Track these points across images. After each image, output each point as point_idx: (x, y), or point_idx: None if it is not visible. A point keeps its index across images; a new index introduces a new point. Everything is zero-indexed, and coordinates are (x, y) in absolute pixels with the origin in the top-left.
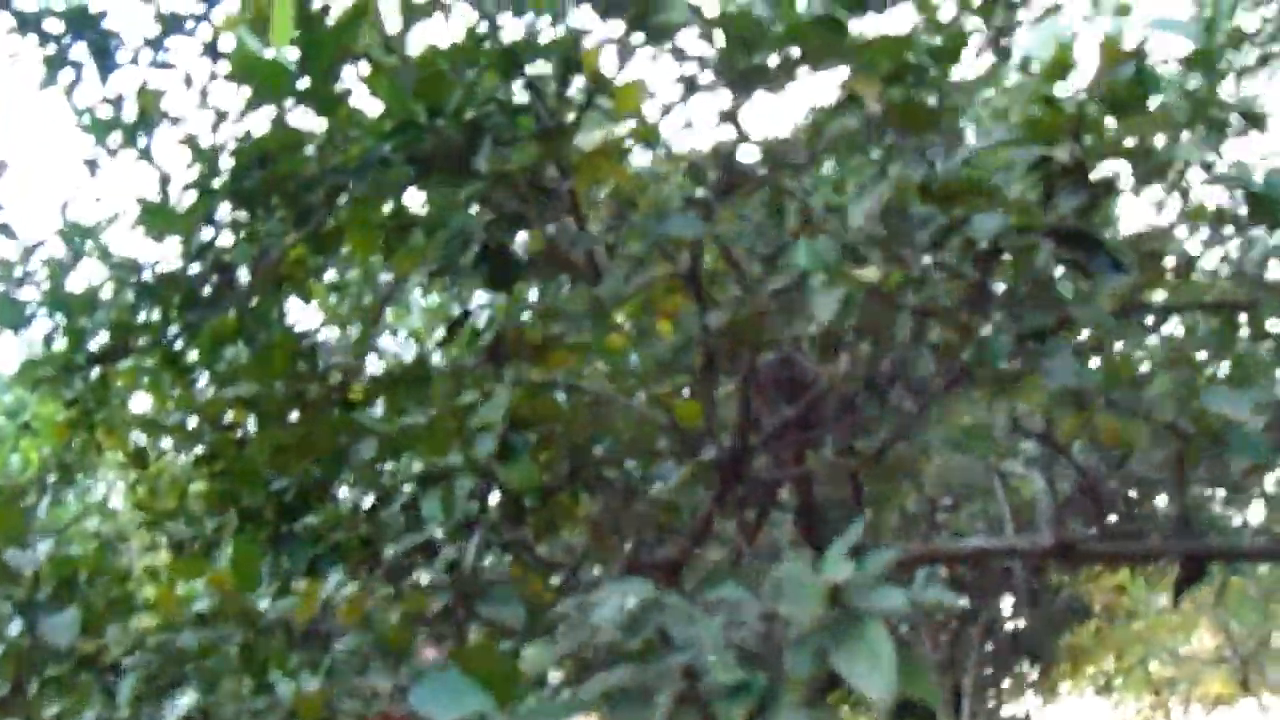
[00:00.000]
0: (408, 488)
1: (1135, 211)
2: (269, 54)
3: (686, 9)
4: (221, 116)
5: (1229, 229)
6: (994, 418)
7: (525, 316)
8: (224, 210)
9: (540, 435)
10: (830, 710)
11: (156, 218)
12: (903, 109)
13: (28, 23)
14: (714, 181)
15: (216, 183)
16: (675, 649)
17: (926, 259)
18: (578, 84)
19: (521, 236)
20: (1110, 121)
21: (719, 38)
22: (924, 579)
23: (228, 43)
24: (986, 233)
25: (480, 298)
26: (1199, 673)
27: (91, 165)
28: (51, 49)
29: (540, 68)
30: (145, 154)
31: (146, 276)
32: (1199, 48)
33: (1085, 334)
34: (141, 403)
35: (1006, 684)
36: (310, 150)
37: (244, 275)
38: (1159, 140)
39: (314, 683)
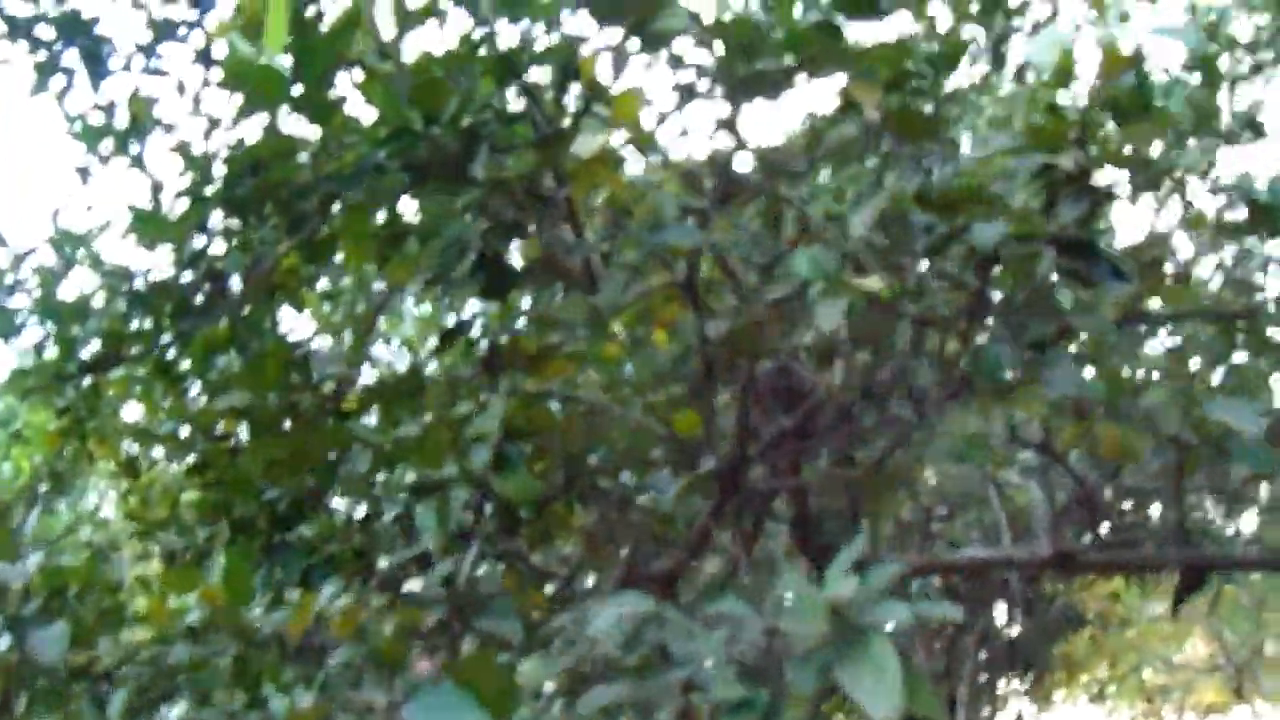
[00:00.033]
0: (401, 498)
1: (1131, 218)
2: (262, 61)
3: (686, 15)
4: (214, 124)
5: (1228, 237)
6: (991, 427)
7: (520, 325)
8: (216, 218)
9: (535, 445)
10: None
11: (148, 225)
12: (901, 116)
13: (19, 28)
14: (711, 190)
15: (209, 190)
16: (675, 664)
17: (926, 268)
18: (575, 91)
19: (516, 245)
20: (1109, 127)
21: (717, 44)
22: (917, 590)
23: (220, 49)
24: (987, 241)
25: (473, 306)
26: (1192, 681)
27: (83, 172)
28: (43, 55)
29: (536, 74)
30: (137, 161)
31: (138, 285)
32: (1201, 55)
33: (1080, 340)
34: (133, 412)
35: (1001, 691)
36: (304, 158)
37: (236, 284)
38: (1160, 147)
39: (308, 698)
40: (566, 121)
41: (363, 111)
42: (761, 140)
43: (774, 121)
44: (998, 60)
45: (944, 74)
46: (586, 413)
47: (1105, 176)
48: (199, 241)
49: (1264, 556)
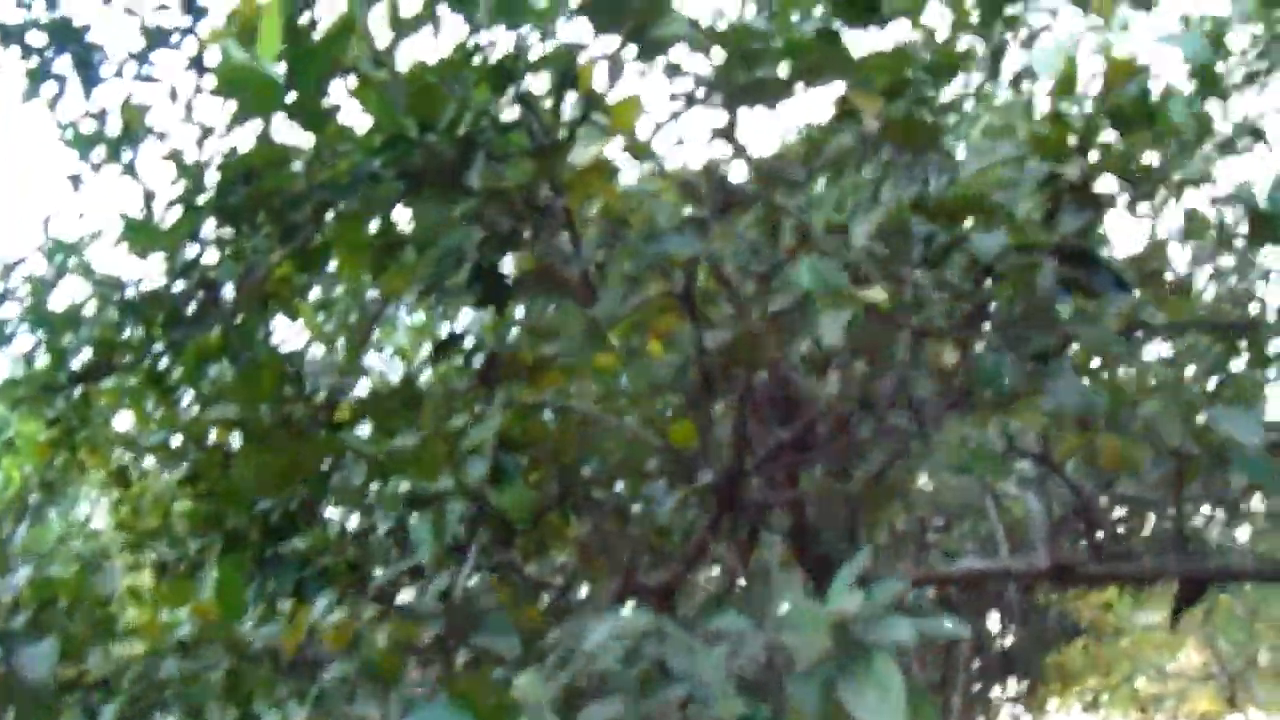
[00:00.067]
0: (395, 510)
1: (1127, 227)
2: (256, 68)
3: (686, 21)
4: (207, 131)
5: (1227, 248)
6: (989, 437)
7: (515, 335)
8: (209, 227)
9: (530, 456)
10: None
11: (140, 234)
12: (901, 125)
13: (10, 35)
14: (710, 200)
15: (201, 199)
16: (674, 679)
17: (925, 278)
18: (572, 99)
19: (510, 254)
20: (1109, 135)
21: (716, 52)
22: (912, 600)
23: (213, 56)
24: (988, 251)
25: (467, 315)
26: (1186, 689)
27: (74, 180)
28: (34, 62)
29: (532, 82)
30: (129, 169)
31: (130, 294)
32: (1203, 63)
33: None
34: (124, 421)
35: (994, 700)
36: (297, 166)
37: (229, 293)
38: (1160, 156)
39: (301, 713)
40: (563, 130)
41: (357, 119)
42: (758, 148)
43: (770, 129)
44: (994, 69)
45: (944, 82)
46: (581, 423)
47: (1105, 185)
48: (191, 250)
49: (1262, 568)
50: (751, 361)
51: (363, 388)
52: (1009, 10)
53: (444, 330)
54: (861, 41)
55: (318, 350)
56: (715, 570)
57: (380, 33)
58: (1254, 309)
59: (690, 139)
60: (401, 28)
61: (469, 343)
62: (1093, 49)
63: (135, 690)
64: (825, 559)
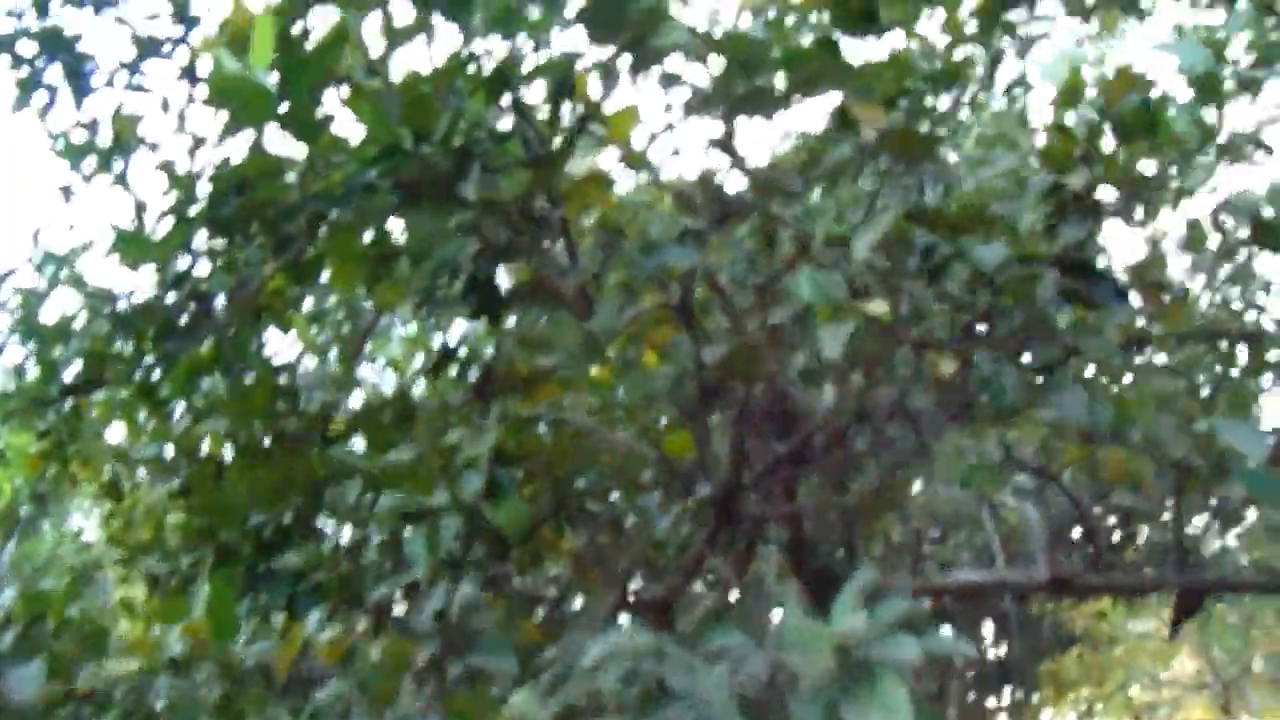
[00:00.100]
0: (389, 525)
1: (1124, 236)
2: (248, 78)
3: (685, 31)
4: (199, 142)
5: (1226, 256)
6: (987, 449)
7: (510, 347)
8: (201, 238)
9: (525, 469)
10: None
11: (131, 246)
12: (899, 135)
13: (0, 44)
14: (707, 210)
15: (193, 210)
16: (675, 699)
17: (925, 289)
18: (569, 109)
19: (504, 266)
20: (1108, 145)
21: (715, 62)
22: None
23: (205, 66)
24: (989, 263)
25: (459, 326)
26: (1180, 698)
27: (65, 191)
28: (25, 71)
29: (528, 92)
30: (121, 180)
31: (122, 306)
32: (1204, 72)
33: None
34: (116, 433)
35: (989, 709)
36: (291, 177)
37: (221, 305)
38: (1160, 164)
39: None
40: (559, 139)
41: (350, 130)
42: (753, 158)
43: (764, 138)
44: (990, 78)
45: (942, 92)
46: (575, 436)
47: (1104, 194)
48: (183, 262)
49: (1260, 579)
50: (749, 375)
51: (356, 399)
52: (1006, 18)
53: (437, 341)
54: (859, 51)
55: (310, 361)
56: (711, 581)
57: (374, 42)
58: (1251, 317)
59: (686, 149)
60: (395, 37)
61: (463, 355)
62: (1090, 59)
63: (127, 705)
64: (823, 571)
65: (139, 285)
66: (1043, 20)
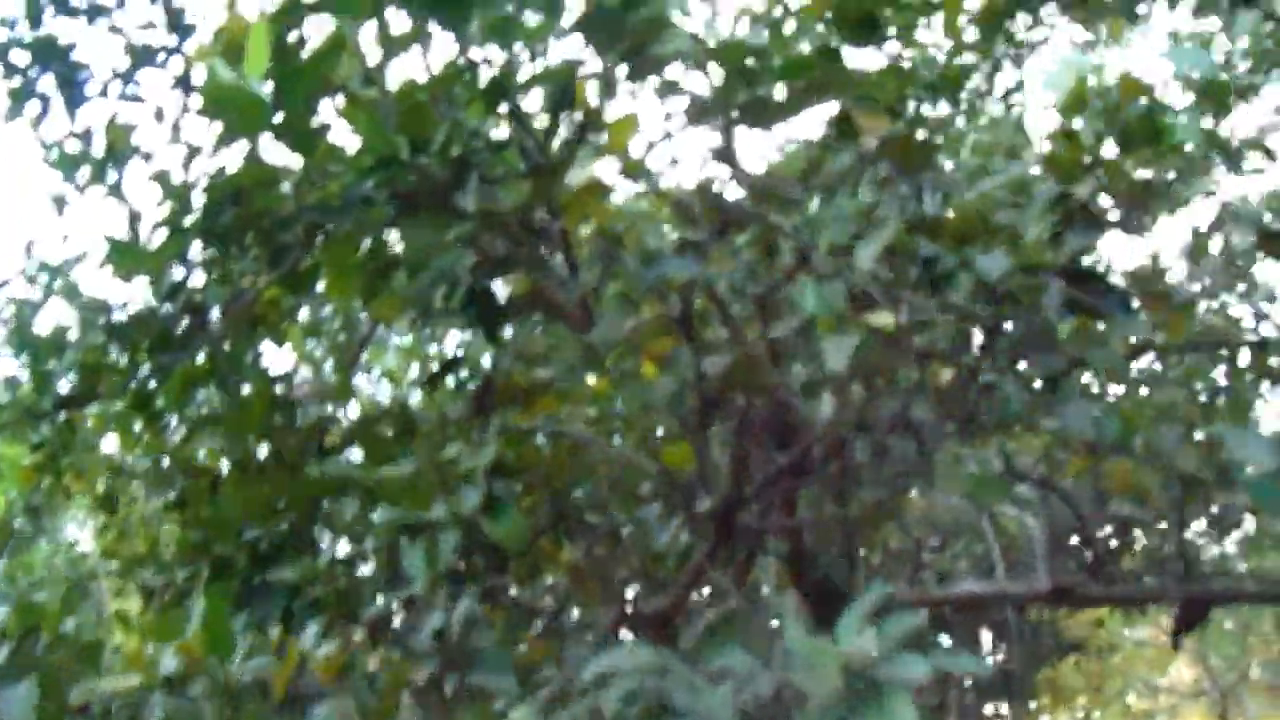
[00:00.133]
0: (386, 537)
1: (1123, 242)
2: (243, 87)
3: (686, 39)
4: (194, 152)
5: (1231, 265)
6: (988, 460)
7: (509, 360)
8: (196, 249)
9: (523, 481)
10: None
11: (125, 257)
12: (900, 143)
13: None
14: (707, 220)
15: (188, 220)
16: (678, 718)
17: (928, 300)
18: (569, 118)
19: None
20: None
21: (715, 70)
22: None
23: (200, 75)
24: (993, 273)
25: (455, 337)
26: (1178, 705)
27: (59, 202)
28: (18, 81)
29: (524, 101)
30: (115, 190)
31: (116, 317)
32: (1210, 79)
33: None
34: (111, 445)
35: (989, 717)
36: (286, 187)
37: (216, 316)
38: (1158, 171)
39: None
40: (559, 149)
41: (346, 140)
42: (750, 166)
43: (762, 147)
44: (989, 85)
45: (942, 99)
46: (574, 448)
47: (1109, 203)
48: (178, 273)
49: (1262, 589)
50: (749, 386)
51: (352, 409)
52: (1007, 26)
53: (432, 350)
54: (859, 59)
55: (306, 371)
56: (710, 591)
57: (370, 51)
58: (1250, 324)
59: (685, 158)
60: (391, 46)
61: (461, 366)
62: (1093, 66)
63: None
64: (823, 582)
65: (133, 296)
66: (1043, 27)
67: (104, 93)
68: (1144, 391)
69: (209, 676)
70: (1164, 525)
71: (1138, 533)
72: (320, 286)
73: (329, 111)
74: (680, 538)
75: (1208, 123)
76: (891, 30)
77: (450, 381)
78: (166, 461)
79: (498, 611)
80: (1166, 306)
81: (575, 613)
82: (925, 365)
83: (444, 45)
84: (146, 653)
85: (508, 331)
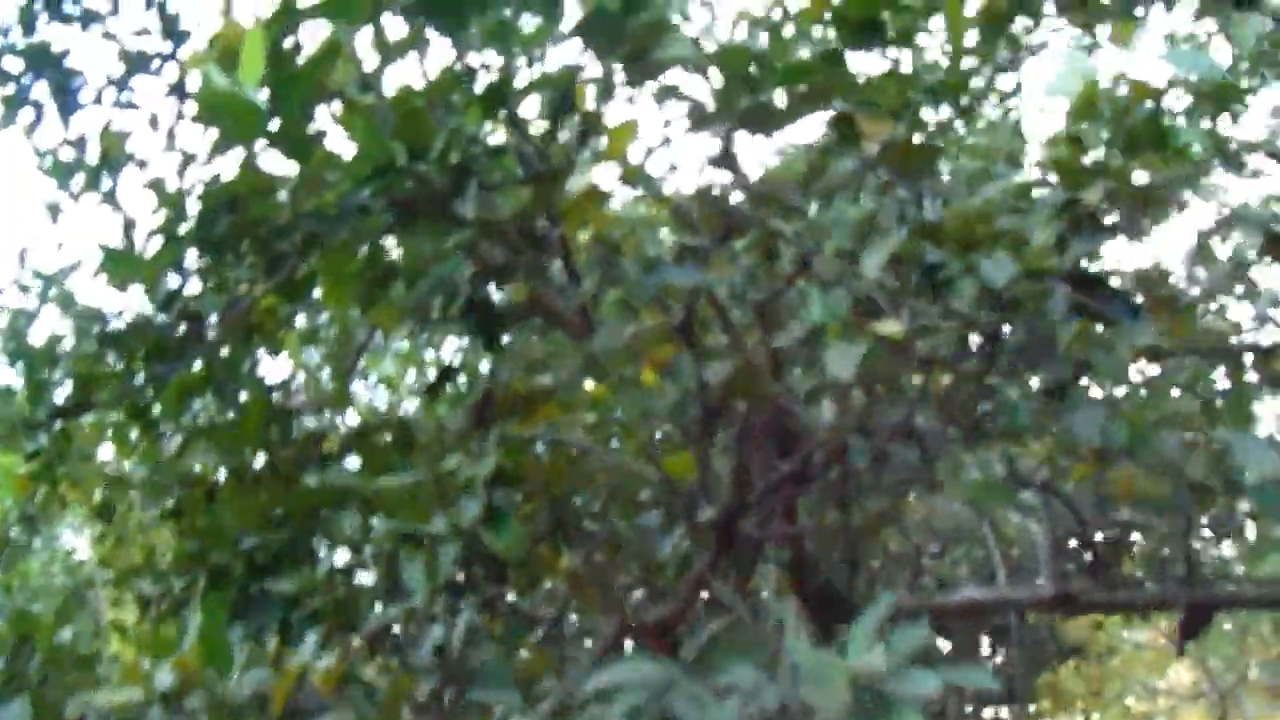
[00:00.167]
0: (386, 547)
1: (1122, 248)
2: (238, 93)
3: (688, 44)
4: (189, 159)
5: (1237, 270)
6: (991, 465)
7: (508, 370)
8: (191, 257)
9: (522, 490)
10: None
11: (120, 265)
12: (902, 149)
13: None
14: (708, 227)
15: (183, 228)
16: None
17: (932, 306)
18: (569, 124)
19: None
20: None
21: (716, 75)
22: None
23: (195, 82)
24: (998, 279)
25: (453, 342)
26: (1176, 707)
27: (53, 210)
28: (11, 88)
29: (523, 106)
30: (109, 198)
31: (111, 326)
32: (1221, 83)
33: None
34: (107, 453)
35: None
36: (282, 195)
37: (212, 324)
38: (1163, 175)
39: None
40: (559, 155)
41: (342, 147)
42: (750, 170)
43: (762, 151)
44: (988, 89)
45: (943, 104)
46: (573, 456)
47: (1115, 208)
48: (173, 281)
49: (1266, 595)
50: (752, 395)
51: (350, 416)
52: (1010, 29)
53: (429, 356)
54: (861, 63)
55: (302, 378)
56: (711, 600)
57: (367, 57)
58: (1251, 329)
59: (685, 163)
60: (388, 52)
61: (460, 374)
62: (1098, 70)
63: None
64: (824, 589)
65: (128, 305)
66: (1042, 30)
67: (98, 99)
68: (1144, 394)
69: (206, 691)
70: (1165, 529)
71: (1136, 535)
72: (317, 293)
73: (325, 118)
74: (681, 546)
75: (1211, 125)
76: (894, 34)
77: (449, 389)
78: (163, 471)
79: (496, 620)
80: (1172, 311)
81: (575, 619)
82: (929, 372)
83: (441, 51)
84: (143, 666)
85: (506, 339)
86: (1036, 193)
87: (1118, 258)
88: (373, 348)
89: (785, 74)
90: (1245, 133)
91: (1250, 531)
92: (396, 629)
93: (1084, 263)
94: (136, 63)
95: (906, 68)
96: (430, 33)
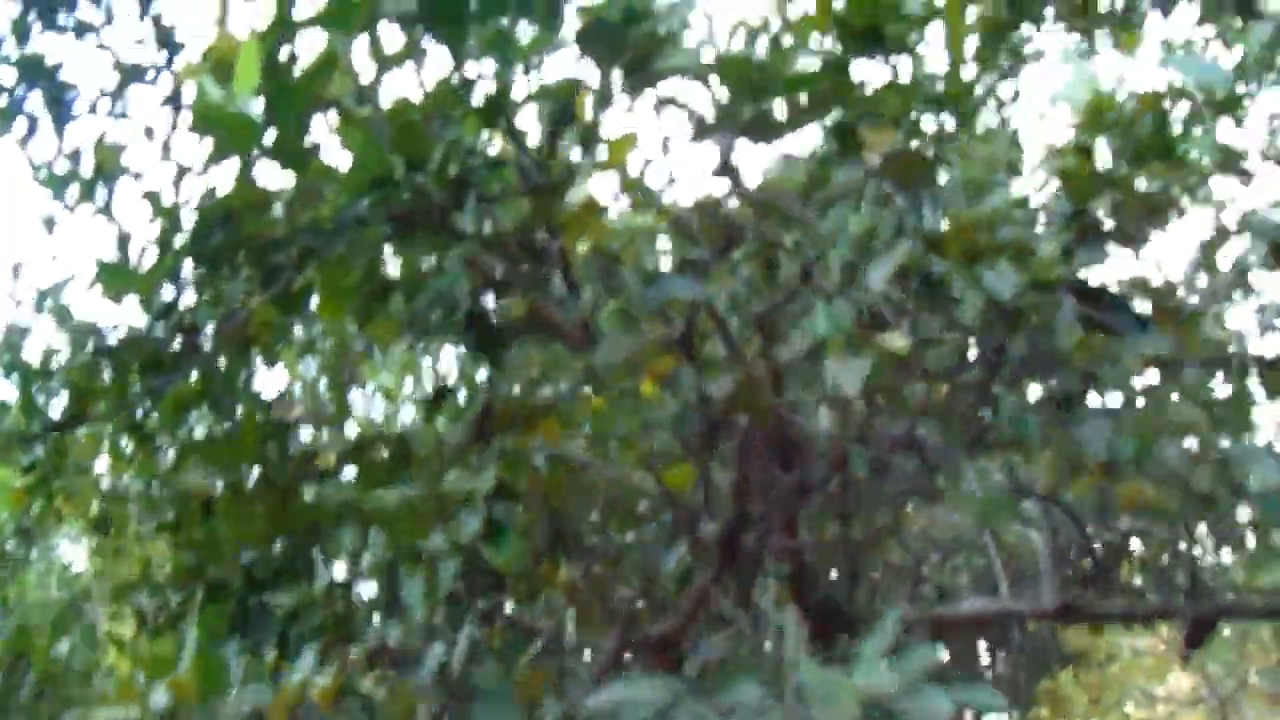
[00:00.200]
0: (385, 560)
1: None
2: (233, 105)
3: (691, 54)
4: (184, 171)
5: (1240, 278)
6: (993, 476)
7: (507, 384)
8: (187, 269)
9: (522, 504)
10: None
11: (115, 278)
12: (903, 159)
13: None
14: (709, 238)
15: (179, 240)
16: None
17: (935, 317)
18: (569, 136)
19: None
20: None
21: (718, 85)
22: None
23: (191, 92)
24: (1004, 291)
25: (451, 351)
26: (1176, 714)
27: (49, 222)
28: (5, 99)
29: (521, 117)
30: (104, 210)
31: (106, 340)
32: (1227, 92)
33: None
34: (103, 466)
35: None
36: (278, 208)
37: (208, 337)
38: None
39: None
40: (559, 167)
41: (339, 159)
42: (751, 180)
43: (761, 161)
44: (987, 98)
45: (944, 113)
46: (572, 469)
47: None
48: (169, 294)
49: (1269, 605)
50: (753, 408)
51: (348, 426)
52: (1011, 37)
53: (426, 362)
54: (864, 72)
55: (299, 389)
56: (714, 614)
57: (363, 67)
58: (1252, 336)
59: (684, 174)
60: (385, 62)
61: (459, 386)
62: (1103, 78)
63: None
64: (824, 602)
65: (124, 318)
66: (1041, 37)
67: (93, 111)
68: (1145, 403)
69: (203, 713)
70: (1166, 536)
71: (1135, 541)
72: (314, 304)
73: (321, 129)
74: (682, 559)
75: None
76: (896, 43)
77: (447, 400)
78: (159, 484)
79: (495, 632)
80: (1176, 321)
81: (574, 629)
82: (931, 383)
83: (438, 61)
84: (138, 683)
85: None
86: (1038, 201)
87: (1119, 266)
88: (370, 357)
89: (790, 83)
90: (1246, 138)
91: (1250, 540)
92: (395, 636)
93: (1089, 273)
94: (131, 74)
95: (907, 76)
96: (427, 42)
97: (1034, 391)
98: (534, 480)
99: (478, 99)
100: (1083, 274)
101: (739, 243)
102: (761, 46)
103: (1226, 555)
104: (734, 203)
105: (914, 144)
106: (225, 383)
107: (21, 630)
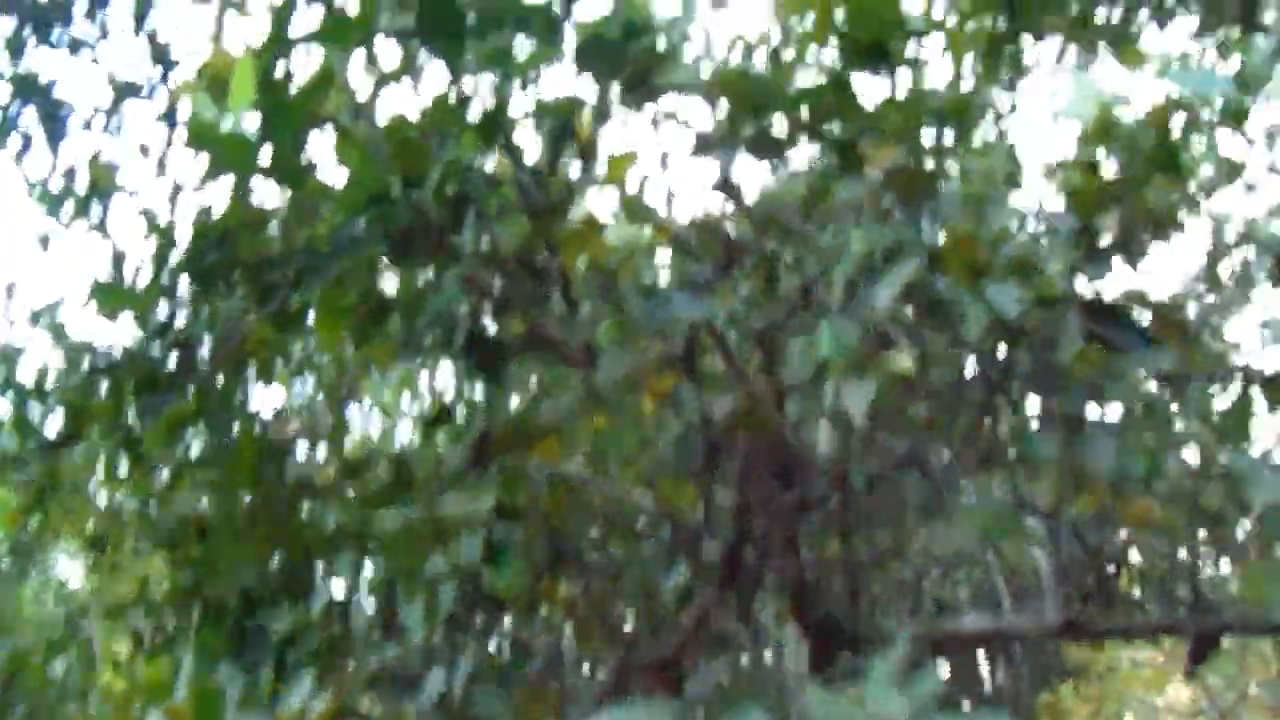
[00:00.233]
0: (382, 581)
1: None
2: (228, 122)
3: (692, 70)
4: (179, 188)
5: (1244, 290)
6: (993, 493)
7: (507, 406)
8: (182, 287)
9: (521, 523)
10: None
11: (110, 296)
12: (905, 174)
13: None
14: (711, 255)
15: (174, 258)
16: None
17: (939, 334)
18: (569, 154)
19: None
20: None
21: (719, 101)
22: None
23: (186, 109)
24: (1009, 308)
25: (449, 367)
26: None
27: (43, 240)
28: None
29: (520, 134)
30: (99, 227)
31: (102, 359)
32: (1234, 105)
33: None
34: (98, 486)
35: None
36: (274, 226)
37: (204, 355)
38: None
39: None
40: (559, 185)
41: (336, 176)
42: (751, 195)
43: (761, 176)
44: (986, 111)
45: (945, 128)
46: (572, 487)
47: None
48: (164, 312)
49: (1275, 621)
50: (755, 428)
51: (345, 443)
52: (1012, 51)
53: (423, 376)
54: (867, 87)
55: (296, 406)
56: (714, 634)
57: (360, 84)
58: (1254, 350)
59: (684, 191)
60: (382, 79)
61: (458, 404)
62: (1108, 93)
63: None
64: (825, 620)
65: (119, 336)
66: (1042, 49)
67: (87, 127)
68: (1146, 417)
69: None
70: (1166, 550)
71: (1134, 552)
72: (311, 321)
73: (317, 147)
74: (682, 578)
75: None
76: (898, 58)
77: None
78: (154, 504)
79: (492, 658)
80: (1181, 337)
81: (573, 643)
82: (936, 402)
83: (436, 77)
84: (134, 710)
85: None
86: (1041, 215)
87: (1122, 281)
88: (368, 374)
89: (794, 99)
90: (1247, 150)
91: (1251, 554)
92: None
93: (1093, 288)
94: (126, 91)
95: (910, 91)
96: (425, 58)
97: (1038, 408)
98: (533, 498)
99: (476, 115)
100: (1087, 289)
101: (739, 259)
102: (760, 61)
103: (1226, 567)
104: (734, 219)
105: (914, 158)
106: (221, 401)
107: (16, 650)
